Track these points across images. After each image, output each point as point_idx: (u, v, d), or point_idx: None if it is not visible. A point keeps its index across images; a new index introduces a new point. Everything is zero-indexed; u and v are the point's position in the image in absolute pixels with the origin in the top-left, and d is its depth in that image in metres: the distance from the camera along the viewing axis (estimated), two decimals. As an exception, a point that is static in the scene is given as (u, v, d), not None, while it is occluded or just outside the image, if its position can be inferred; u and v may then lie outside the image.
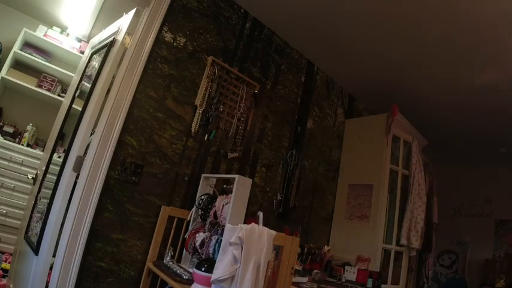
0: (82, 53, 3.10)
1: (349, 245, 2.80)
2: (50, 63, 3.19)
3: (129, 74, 1.79)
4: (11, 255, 2.50)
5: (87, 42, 3.20)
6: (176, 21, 2.08)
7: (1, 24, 3.11)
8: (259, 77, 2.54)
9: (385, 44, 2.55)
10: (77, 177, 1.67)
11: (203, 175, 1.94)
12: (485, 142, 3.92)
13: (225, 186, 1.75)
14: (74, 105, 2.23)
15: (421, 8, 2.09)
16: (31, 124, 3.08)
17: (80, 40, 3.35)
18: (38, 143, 3.14)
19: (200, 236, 1.62)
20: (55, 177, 1.81)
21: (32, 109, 3.24)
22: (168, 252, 1.74)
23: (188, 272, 1.55)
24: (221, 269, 1.19)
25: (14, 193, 2.76)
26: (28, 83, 3.04)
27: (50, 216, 1.67)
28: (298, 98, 2.87)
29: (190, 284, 1.39)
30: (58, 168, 1.83)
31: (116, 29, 1.99)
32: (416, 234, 2.87)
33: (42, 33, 3.12)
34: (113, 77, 1.82)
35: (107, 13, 2.93)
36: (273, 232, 1.30)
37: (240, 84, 2.32)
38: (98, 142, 1.66)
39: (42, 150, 2.84)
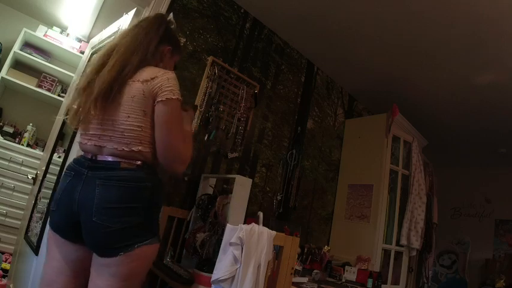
0: (82, 53, 3.10)
1: (349, 245, 2.80)
2: (50, 63, 3.19)
3: (129, 74, 1.78)
4: (11, 255, 2.50)
5: (87, 42, 3.20)
6: (176, 21, 2.07)
7: (1, 24, 3.11)
8: (259, 77, 2.54)
9: (385, 44, 2.55)
10: (77, 177, 1.66)
11: (203, 175, 1.94)
12: (485, 142, 3.92)
13: (225, 186, 1.76)
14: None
15: (421, 8, 2.09)
16: (31, 124, 3.08)
17: (80, 40, 3.35)
18: (38, 143, 3.14)
19: (200, 236, 1.62)
20: (55, 177, 1.81)
21: (32, 109, 3.24)
22: (168, 252, 1.74)
23: (188, 272, 1.55)
24: (221, 269, 1.19)
25: (14, 193, 2.76)
26: (28, 83, 3.04)
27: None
28: (298, 98, 2.87)
29: (191, 284, 1.39)
30: (58, 168, 1.83)
31: (116, 29, 1.98)
32: (416, 234, 2.87)
33: (42, 33, 3.12)
34: (113, 77, 1.81)
35: (107, 13, 2.93)
36: (273, 232, 1.30)
37: (240, 84, 2.32)
38: (98, 142, 1.66)
39: (42, 150, 2.84)
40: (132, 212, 0.97)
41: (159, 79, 1.02)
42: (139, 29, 1.12)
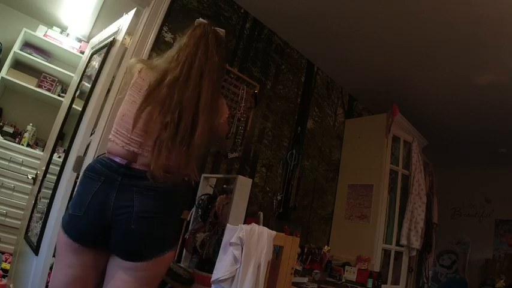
0: (82, 53, 3.09)
1: (349, 245, 2.80)
2: (50, 63, 3.19)
3: (129, 74, 1.79)
4: (11, 255, 2.50)
5: (87, 42, 3.20)
6: (176, 21, 2.08)
7: (1, 24, 3.11)
8: (259, 77, 2.54)
9: (385, 44, 2.55)
10: (77, 177, 1.66)
11: (203, 175, 1.94)
12: (485, 142, 3.92)
13: (225, 186, 1.75)
14: (74, 105, 2.23)
15: (421, 8, 2.09)
16: (31, 124, 3.08)
17: (80, 40, 3.35)
18: (38, 143, 3.14)
19: (200, 236, 1.62)
20: (55, 177, 1.81)
21: (32, 109, 3.24)
22: (168, 252, 1.74)
23: (188, 272, 1.55)
24: (221, 269, 1.19)
25: (14, 193, 2.76)
26: (28, 83, 3.04)
27: (50, 216, 1.67)
28: (298, 98, 2.87)
29: (191, 284, 1.39)
30: (58, 168, 1.83)
31: (116, 29, 1.99)
32: (416, 234, 2.87)
33: (42, 33, 3.12)
34: (113, 77, 1.82)
35: (107, 13, 2.93)
36: (273, 232, 1.30)
37: (240, 84, 2.32)
38: (98, 142, 1.66)
39: (42, 150, 2.84)
40: (169, 220, 1.02)
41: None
42: (211, 46, 1.12)
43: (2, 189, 2.72)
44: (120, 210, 0.97)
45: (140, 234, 0.96)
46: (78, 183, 1.09)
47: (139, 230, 0.95)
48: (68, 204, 1.61)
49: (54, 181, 1.79)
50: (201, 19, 1.21)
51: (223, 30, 1.26)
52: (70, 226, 1.01)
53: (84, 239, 1.00)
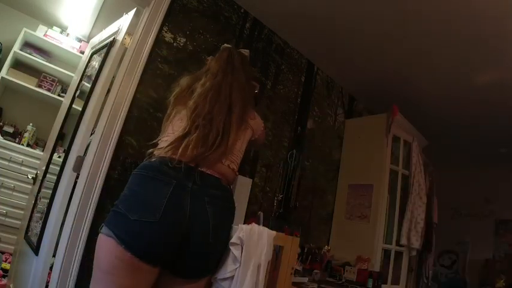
0: (82, 53, 3.09)
1: (349, 245, 2.80)
2: (50, 63, 3.19)
3: (129, 74, 1.79)
4: (11, 255, 2.50)
5: (87, 42, 3.20)
6: (176, 21, 2.08)
7: (1, 24, 3.11)
8: (259, 77, 2.54)
9: (385, 44, 2.55)
10: (77, 177, 1.66)
11: (203, 175, 1.93)
12: (485, 142, 3.92)
13: (225, 186, 1.75)
14: (74, 105, 2.23)
15: (421, 7, 2.09)
16: (31, 124, 3.08)
17: (80, 40, 3.35)
18: (38, 143, 3.14)
19: (200, 236, 1.61)
20: (55, 177, 1.81)
21: (32, 109, 3.24)
22: (168, 252, 1.74)
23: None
24: (222, 268, 1.19)
25: (14, 193, 2.76)
26: (28, 83, 3.04)
27: (50, 216, 1.67)
28: (298, 98, 2.86)
29: (190, 284, 1.39)
30: (58, 168, 1.83)
31: (116, 29, 1.99)
32: (416, 234, 2.87)
33: (42, 33, 3.12)
34: (113, 77, 1.82)
35: (107, 13, 2.93)
36: (273, 232, 1.30)
37: (240, 84, 2.31)
38: (98, 142, 1.66)
39: (42, 150, 2.84)
40: (229, 234, 1.03)
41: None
42: (238, 66, 1.28)
43: (2, 189, 2.72)
44: (197, 221, 0.87)
45: (216, 249, 0.94)
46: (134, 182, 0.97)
47: (216, 244, 0.93)
48: (67, 204, 1.61)
49: (54, 181, 1.79)
50: (225, 44, 1.37)
51: (247, 50, 1.37)
52: (134, 236, 0.81)
53: (150, 253, 0.82)
